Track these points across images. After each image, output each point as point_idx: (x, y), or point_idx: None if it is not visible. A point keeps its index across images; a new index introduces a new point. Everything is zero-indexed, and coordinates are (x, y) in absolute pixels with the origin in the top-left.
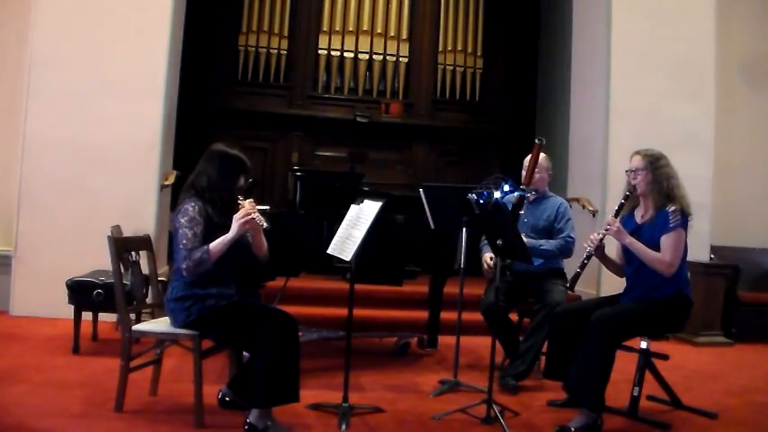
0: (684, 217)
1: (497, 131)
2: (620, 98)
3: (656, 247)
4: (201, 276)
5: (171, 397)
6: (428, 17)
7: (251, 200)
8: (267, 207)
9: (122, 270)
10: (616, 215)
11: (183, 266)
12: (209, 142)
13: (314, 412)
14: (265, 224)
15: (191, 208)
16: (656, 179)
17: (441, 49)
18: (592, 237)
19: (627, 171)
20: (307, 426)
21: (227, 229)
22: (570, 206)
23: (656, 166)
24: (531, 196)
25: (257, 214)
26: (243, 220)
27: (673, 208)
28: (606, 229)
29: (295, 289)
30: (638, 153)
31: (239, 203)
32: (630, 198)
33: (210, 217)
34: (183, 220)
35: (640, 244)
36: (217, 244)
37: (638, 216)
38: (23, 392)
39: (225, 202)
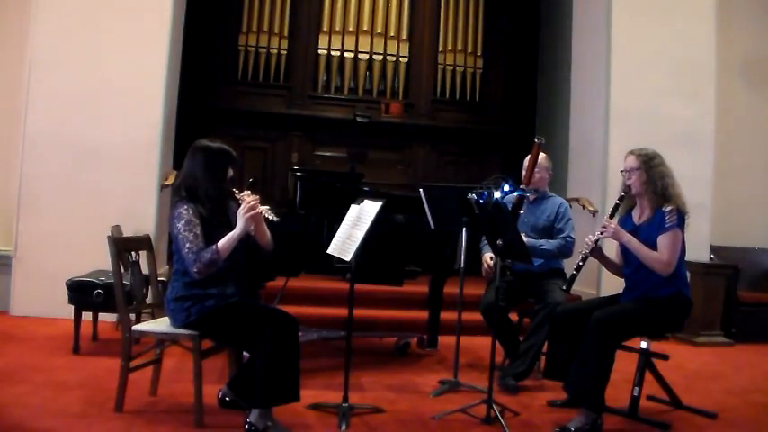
0: (681, 216)
1: (497, 131)
2: (620, 98)
3: (654, 248)
4: None
5: (171, 397)
6: (428, 17)
7: (249, 191)
8: (267, 207)
9: (122, 270)
10: (611, 216)
11: (195, 270)
12: None
13: (314, 412)
14: (273, 217)
15: (184, 211)
16: (651, 179)
17: (441, 49)
18: (587, 239)
19: (621, 171)
20: (307, 426)
21: (223, 226)
22: (570, 206)
23: (650, 166)
24: (531, 196)
25: (262, 206)
26: (249, 214)
27: (669, 208)
28: (602, 231)
29: (295, 289)
30: (631, 153)
31: (238, 197)
32: (626, 198)
33: (205, 217)
34: (180, 225)
35: (638, 242)
36: (225, 242)
37: (636, 217)
38: (23, 392)
39: (217, 198)
